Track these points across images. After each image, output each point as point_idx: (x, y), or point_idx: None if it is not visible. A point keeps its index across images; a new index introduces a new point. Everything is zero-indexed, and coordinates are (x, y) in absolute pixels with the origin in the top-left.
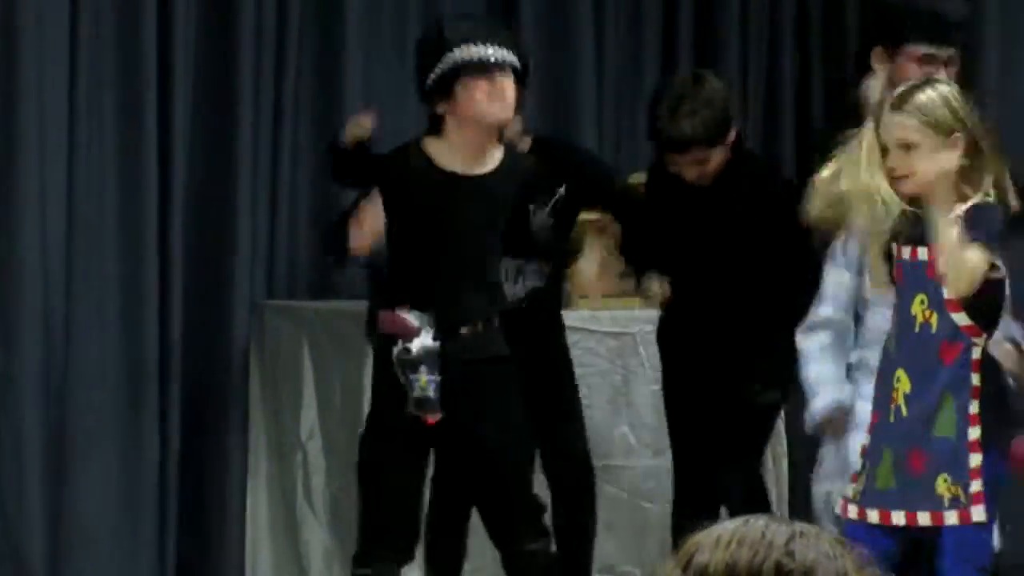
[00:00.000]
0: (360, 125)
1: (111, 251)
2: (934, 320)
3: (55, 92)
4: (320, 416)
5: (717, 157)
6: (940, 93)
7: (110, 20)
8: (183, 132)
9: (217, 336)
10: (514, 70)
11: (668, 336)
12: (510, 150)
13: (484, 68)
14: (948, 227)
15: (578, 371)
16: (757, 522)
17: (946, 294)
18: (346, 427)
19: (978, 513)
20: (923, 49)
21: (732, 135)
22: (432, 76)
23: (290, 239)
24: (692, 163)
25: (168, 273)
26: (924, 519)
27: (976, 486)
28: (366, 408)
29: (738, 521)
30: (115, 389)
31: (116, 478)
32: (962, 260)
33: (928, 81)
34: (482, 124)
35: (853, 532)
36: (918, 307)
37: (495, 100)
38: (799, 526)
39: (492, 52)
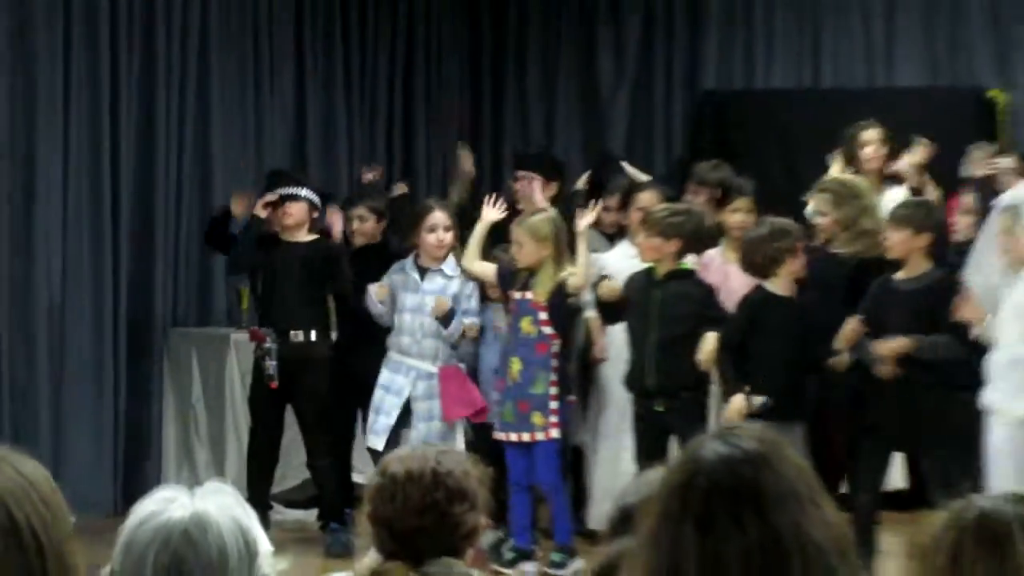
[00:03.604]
0: None
1: (87, 289)
2: (534, 330)
3: (51, 205)
4: (203, 390)
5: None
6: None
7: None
8: (126, 220)
9: (145, 348)
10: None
11: None
12: (321, 235)
13: (277, 202)
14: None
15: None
16: (423, 447)
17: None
18: (218, 397)
19: (555, 432)
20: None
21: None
22: None
23: (186, 290)
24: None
25: (117, 310)
26: (526, 437)
27: (553, 419)
28: (227, 388)
29: (411, 446)
30: (90, 373)
31: (90, 423)
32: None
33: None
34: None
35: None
36: (526, 323)
37: (284, 219)
38: (440, 446)
39: (279, 193)
